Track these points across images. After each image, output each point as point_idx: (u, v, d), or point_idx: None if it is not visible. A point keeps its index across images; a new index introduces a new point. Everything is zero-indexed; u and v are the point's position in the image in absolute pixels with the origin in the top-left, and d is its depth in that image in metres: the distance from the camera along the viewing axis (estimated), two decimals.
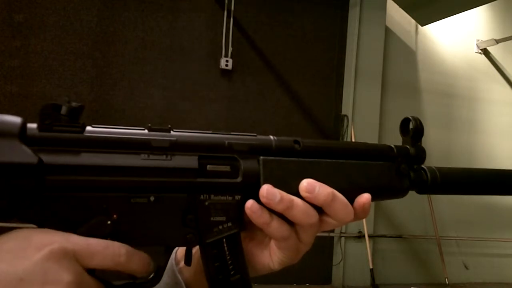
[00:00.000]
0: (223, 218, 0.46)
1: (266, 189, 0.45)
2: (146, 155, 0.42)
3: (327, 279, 4.51)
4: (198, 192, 0.45)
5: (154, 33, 4.10)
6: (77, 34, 3.88)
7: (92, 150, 0.41)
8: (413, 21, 4.91)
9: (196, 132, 0.46)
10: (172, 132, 0.45)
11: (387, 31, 4.80)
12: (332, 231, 4.43)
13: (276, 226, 0.46)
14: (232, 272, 0.46)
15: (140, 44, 4.05)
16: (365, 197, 0.49)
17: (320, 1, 4.61)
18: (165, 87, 4.12)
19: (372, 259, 4.38)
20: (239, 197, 0.46)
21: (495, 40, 5.15)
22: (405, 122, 0.55)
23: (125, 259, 0.40)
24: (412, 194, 0.56)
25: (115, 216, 0.42)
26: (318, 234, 0.49)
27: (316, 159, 0.49)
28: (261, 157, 0.47)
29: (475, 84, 5.28)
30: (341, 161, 0.50)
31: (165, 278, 0.51)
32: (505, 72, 5.44)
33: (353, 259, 4.47)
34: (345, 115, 4.57)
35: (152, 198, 0.43)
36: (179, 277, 0.52)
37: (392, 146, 0.54)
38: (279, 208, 0.45)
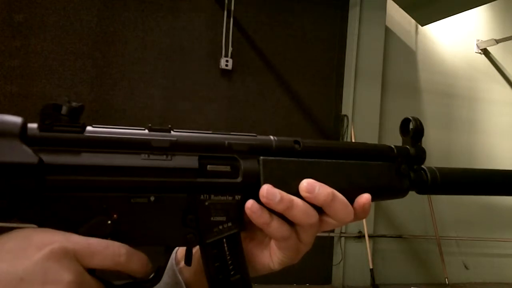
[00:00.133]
0: (223, 218, 0.46)
1: (266, 189, 0.45)
2: (146, 155, 0.42)
3: (327, 279, 4.51)
4: (198, 192, 0.45)
5: (154, 33, 4.10)
6: (77, 34, 3.88)
7: (92, 150, 0.41)
8: (413, 21, 4.91)
9: (196, 132, 0.46)
10: (172, 132, 0.45)
11: (387, 31, 4.80)
12: (332, 231, 4.43)
13: (276, 226, 0.46)
14: (232, 272, 0.46)
15: (140, 44, 4.06)
16: (365, 197, 0.49)
17: (320, 1, 4.61)
18: (165, 87, 4.12)
19: (372, 259, 4.38)
20: (239, 197, 0.46)
21: (495, 40, 5.15)
22: (405, 122, 0.55)
23: (125, 259, 0.40)
24: (412, 194, 0.56)
25: (115, 216, 0.42)
26: (318, 234, 0.49)
27: (316, 159, 0.49)
28: (261, 157, 0.47)
29: (475, 84, 5.28)
30: (341, 161, 0.50)
31: (165, 278, 0.51)
32: (505, 72, 5.44)
33: (353, 259, 4.47)
34: (345, 115, 4.57)
35: (152, 198, 0.43)
36: (179, 277, 0.52)
37: (392, 146, 0.54)
38: (279, 208, 0.45)
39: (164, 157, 0.43)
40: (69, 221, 0.40)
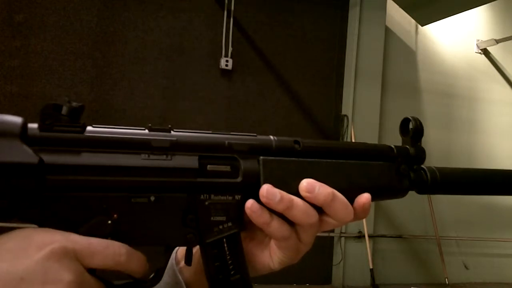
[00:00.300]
0: (223, 218, 0.46)
1: (266, 189, 0.45)
2: (146, 155, 0.42)
3: (327, 279, 4.51)
4: (198, 192, 0.45)
5: (154, 33, 4.10)
6: (77, 34, 3.88)
7: (92, 150, 0.41)
8: (413, 21, 4.91)
9: (196, 132, 0.46)
10: (172, 132, 0.45)
11: (387, 31, 4.80)
12: (332, 231, 4.43)
13: (276, 226, 0.46)
14: (232, 272, 0.46)
15: (140, 44, 4.06)
16: (365, 197, 0.49)
17: (320, 1, 4.61)
18: (165, 87, 4.12)
19: (372, 259, 4.38)
20: (239, 197, 0.46)
21: (495, 40, 5.15)
22: (405, 122, 0.55)
23: (125, 259, 0.40)
24: (412, 194, 0.56)
25: (115, 216, 0.42)
26: (318, 234, 0.50)
27: (316, 159, 0.49)
28: (261, 157, 0.47)
29: (475, 84, 5.28)
30: (341, 161, 0.50)
31: (166, 278, 0.51)
32: (505, 72, 5.44)
33: (353, 259, 4.47)
34: (345, 115, 4.57)
35: (152, 198, 0.43)
36: (180, 277, 0.52)
37: (392, 146, 0.54)
38: (279, 208, 0.45)
39: (164, 157, 0.43)
40: (69, 221, 0.40)
